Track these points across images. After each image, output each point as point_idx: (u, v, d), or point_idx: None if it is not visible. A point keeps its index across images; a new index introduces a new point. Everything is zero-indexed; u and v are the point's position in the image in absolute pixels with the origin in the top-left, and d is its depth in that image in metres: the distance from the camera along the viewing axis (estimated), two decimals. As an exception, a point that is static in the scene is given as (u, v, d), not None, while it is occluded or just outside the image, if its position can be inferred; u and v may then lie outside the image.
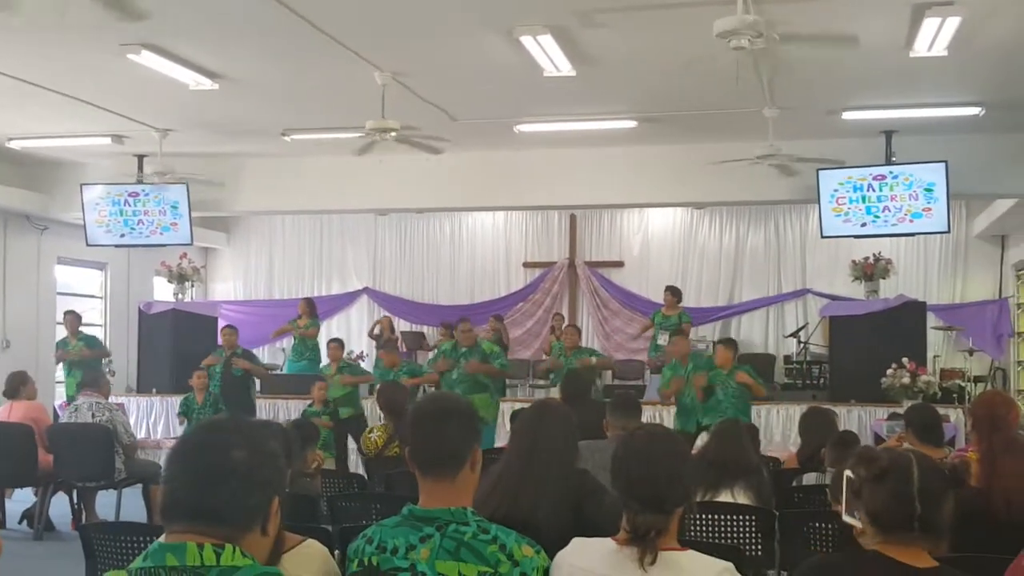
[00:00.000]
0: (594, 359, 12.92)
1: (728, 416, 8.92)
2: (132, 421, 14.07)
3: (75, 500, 10.31)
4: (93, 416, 9.92)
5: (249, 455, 2.23)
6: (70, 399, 13.03)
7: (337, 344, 13.26)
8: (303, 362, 15.16)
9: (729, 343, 11.60)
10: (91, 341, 14.20)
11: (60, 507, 10.48)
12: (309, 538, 3.35)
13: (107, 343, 16.94)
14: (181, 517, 2.19)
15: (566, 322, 17.54)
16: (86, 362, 13.52)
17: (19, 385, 10.72)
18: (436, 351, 12.36)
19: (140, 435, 14.15)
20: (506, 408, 12.80)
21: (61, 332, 16.37)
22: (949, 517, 2.89)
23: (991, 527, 4.34)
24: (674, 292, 15.32)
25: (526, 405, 5.84)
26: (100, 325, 17.54)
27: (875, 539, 2.89)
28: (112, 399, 12.00)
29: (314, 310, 16.12)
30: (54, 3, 8.05)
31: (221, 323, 17.21)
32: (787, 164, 12.06)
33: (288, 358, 16.08)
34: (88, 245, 15.15)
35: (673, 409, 13.19)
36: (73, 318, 14.13)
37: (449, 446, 3.12)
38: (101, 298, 17.79)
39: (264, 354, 19.13)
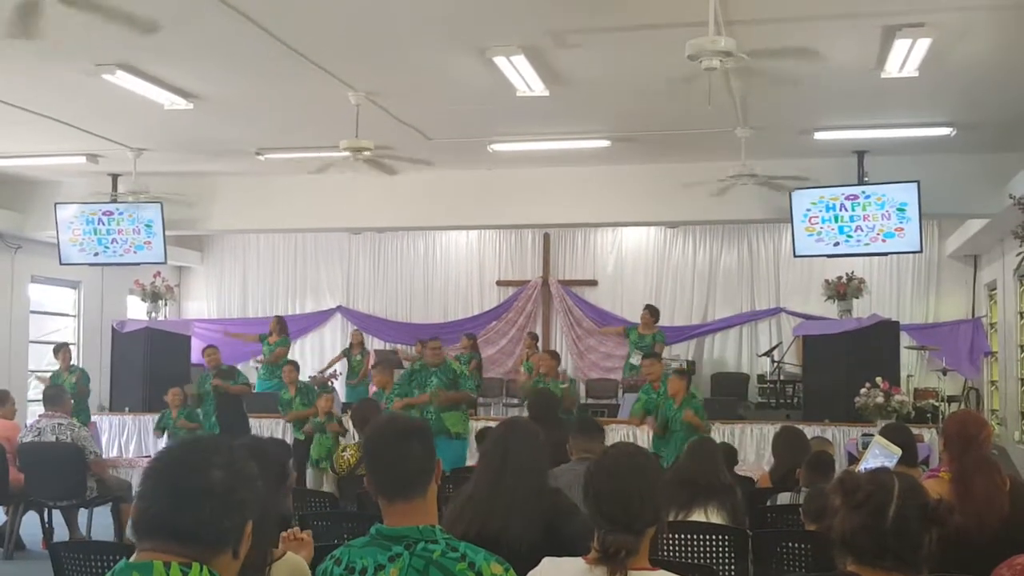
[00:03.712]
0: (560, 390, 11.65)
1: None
2: (104, 440, 14.01)
3: (46, 519, 10.22)
4: (57, 438, 9.76)
5: (227, 476, 2.21)
6: None
7: (292, 366, 13.13)
8: (275, 381, 15.08)
9: (681, 374, 11.26)
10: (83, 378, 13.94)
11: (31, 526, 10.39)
12: (288, 551, 3.43)
13: (80, 361, 16.84)
14: (154, 534, 2.17)
15: (539, 341, 17.53)
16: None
17: None
18: (403, 372, 12.11)
19: (112, 454, 14.07)
20: (476, 427, 12.70)
21: (34, 351, 16.31)
22: (929, 551, 2.84)
23: (963, 546, 4.34)
24: (652, 311, 15.35)
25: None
26: (73, 344, 17.43)
27: (850, 563, 2.89)
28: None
29: (285, 328, 16.05)
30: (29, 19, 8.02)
31: (195, 342, 17.17)
32: (760, 184, 12.12)
33: (259, 377, 16.01)
34: (62, 264, 15.09)
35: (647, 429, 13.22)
36: (65, 352, 13.94)
37: (418, 466, 3.09)
38: (75, 316, 17.67)
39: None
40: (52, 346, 14.73)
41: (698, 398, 11.07)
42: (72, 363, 13.97)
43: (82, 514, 10.29)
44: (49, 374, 13.98)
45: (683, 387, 10.72)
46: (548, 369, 12.01)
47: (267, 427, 13.34)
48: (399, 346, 18.64)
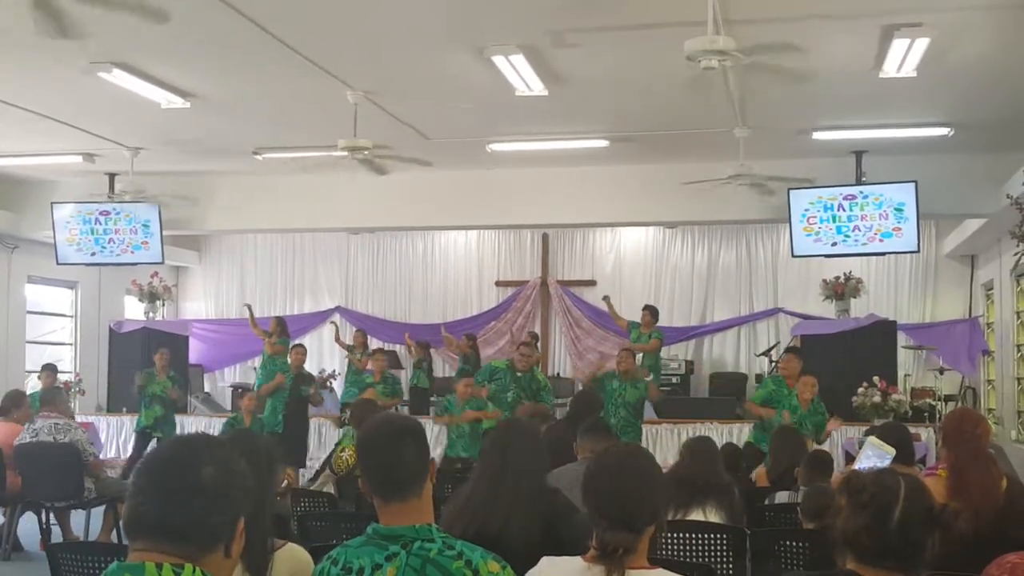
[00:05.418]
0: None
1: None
2: (102, 439, 13.98)
3: (44, 520, 10.18)
4: (54, 439, 9.69)
5: (219, 473, 2.20)
6: (144, 429, 13.14)
7: (381, 354, 13.23)
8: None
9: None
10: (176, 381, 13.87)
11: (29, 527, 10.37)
12: (289, 542, 3.51)
13: (77, 362, 16.85)
14: (146, 533, 2.16)
15: (539, 340, 17.48)
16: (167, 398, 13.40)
17: (11, 406, 10.57)
18: (483, 369, 11.67)
19: (109, 454, 14.07)
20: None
21: (31, 351, 16.28)
22: (931, 553, 2.82)
23: (959, 541, 4.33)
24: (652, 312, 15.23)
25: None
26: (70, 344, 17.42)
27: (850, 560, 2.88)
28: (80, 418, 11.90)
29: (285, 329, 16.02)
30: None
31: (192, 342, 17.15)
32: (758, 184, 12.12)
33: (258, 378, 16.01)
34: (58, 264, 15.05)
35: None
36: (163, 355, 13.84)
37: (412, 467, 3.08)
38: (72, 317, 17.64)
39: (235, 373, 19.04)
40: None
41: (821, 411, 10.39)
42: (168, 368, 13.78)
43: (81, 515, 10.26)
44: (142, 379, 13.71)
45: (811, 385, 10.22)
46: (629, 367, 11.54)
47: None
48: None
